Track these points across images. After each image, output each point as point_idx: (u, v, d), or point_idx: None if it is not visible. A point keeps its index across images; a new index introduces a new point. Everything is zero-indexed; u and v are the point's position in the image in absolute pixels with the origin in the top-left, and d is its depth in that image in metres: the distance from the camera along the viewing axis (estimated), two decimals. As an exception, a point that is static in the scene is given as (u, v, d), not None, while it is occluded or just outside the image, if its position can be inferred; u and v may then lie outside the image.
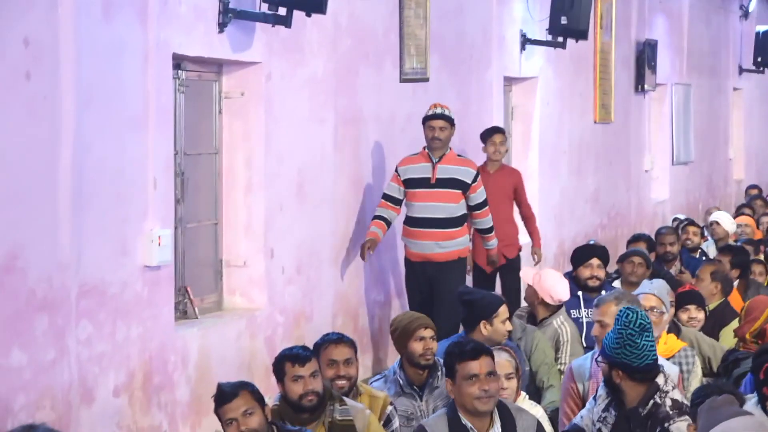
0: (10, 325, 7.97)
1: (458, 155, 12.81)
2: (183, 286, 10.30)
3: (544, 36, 16.78)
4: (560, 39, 16.75)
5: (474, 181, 12.64)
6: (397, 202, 12.63)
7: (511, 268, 13.91)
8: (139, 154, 9.26)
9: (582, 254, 11.94)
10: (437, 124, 12.47)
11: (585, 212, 19.41)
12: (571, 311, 11.12)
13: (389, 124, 13.34)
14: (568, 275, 11.91)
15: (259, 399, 7.12)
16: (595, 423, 7.66)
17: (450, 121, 12.54)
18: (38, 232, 8.21)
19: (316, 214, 11.68)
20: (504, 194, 14.17)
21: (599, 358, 7.72)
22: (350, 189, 12.51)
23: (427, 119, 12.61)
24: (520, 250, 14.42)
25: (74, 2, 8.41)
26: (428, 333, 8.86)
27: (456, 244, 12.60)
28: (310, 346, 8.33)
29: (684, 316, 10.66)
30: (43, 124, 8.22)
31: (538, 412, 8.32)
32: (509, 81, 16.87)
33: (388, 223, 12.59)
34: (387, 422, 8.22)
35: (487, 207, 12.87)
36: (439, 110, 12.57)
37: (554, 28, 16.40)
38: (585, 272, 11.55)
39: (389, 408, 8.30)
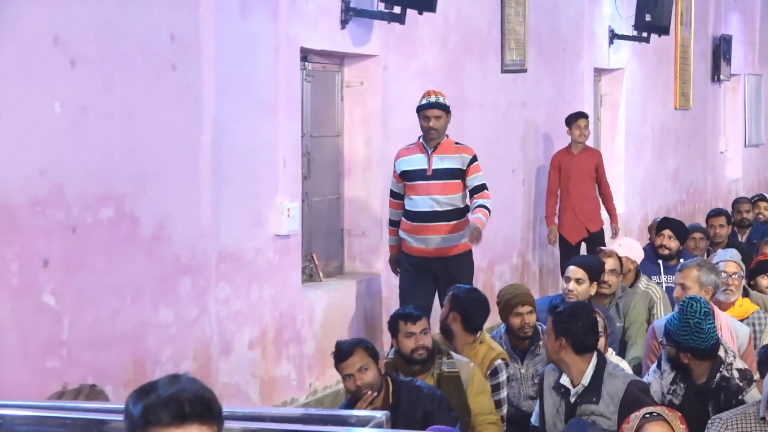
0: (159, 287, 8.04)
1: (456, 143, 10.58)
2: (309, 253, 10.34)
3: (630, 31, 16.68)
4: (645, 34, 16.68)
5: (469, 164, 10.43)
6: (402, 197, 10.56)
7: (595, 241, 13.63)
8: (270, 137, 9.31)
9: (658, 226, 11.89)
10: (432, 113, 10.34)
11: (666, 190, 19.30)
12: (652, 277, 11.09)
13: (491, 110, 13.27)
14: (649, 245, 11.89)
15: (374, 355, 7.14)
16: (665, 394, 7.57)
17: (445, 109, 10.42)
18: (183, 206, 8.28)
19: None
20: (587, 173, 14.01)
21: (664, 341, 7.63)
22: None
23: (421, 108, 10.42)
24: (602, 224, 14.28)
25: (214, 1, 8.47)
26: (526, 309, 8.81)
27: (461, 236, 10.37)
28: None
29: (764, 282, 10.57)
30: (186, 110, 8.29)
31: (623, 365, 8.27)
32: (598, 72, 16.78)
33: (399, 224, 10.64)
34: (494, 373, 8.22)
35: (486, 191, 10.50)
36: (433, 98, 10.40)
37: (639, 24, 16.35)
38: (657, 241, 11.50)
39: (498, 361, 8.30)
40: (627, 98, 17.45)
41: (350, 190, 11.03)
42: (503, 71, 13.44)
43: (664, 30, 16.66)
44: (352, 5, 10.30)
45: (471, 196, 10.47)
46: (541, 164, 14.66)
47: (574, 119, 14.04)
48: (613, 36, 16.58)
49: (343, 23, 10.26)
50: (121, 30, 7.60)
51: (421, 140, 10.45)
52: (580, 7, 15.56)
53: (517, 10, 13.43)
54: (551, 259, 14.87)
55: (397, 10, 10.58)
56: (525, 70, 13.80)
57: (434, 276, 10.39)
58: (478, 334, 8.51)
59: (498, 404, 8.17)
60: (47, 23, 7.06)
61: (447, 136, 10.47)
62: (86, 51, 7.32)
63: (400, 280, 10.58)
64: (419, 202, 10.38)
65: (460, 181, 10.41)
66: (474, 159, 10.47)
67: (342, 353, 7.15)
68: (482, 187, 10.43)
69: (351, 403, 7.20)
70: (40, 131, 7.05)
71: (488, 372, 8.21)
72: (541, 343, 8.56)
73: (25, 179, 6.90)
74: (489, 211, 10.34)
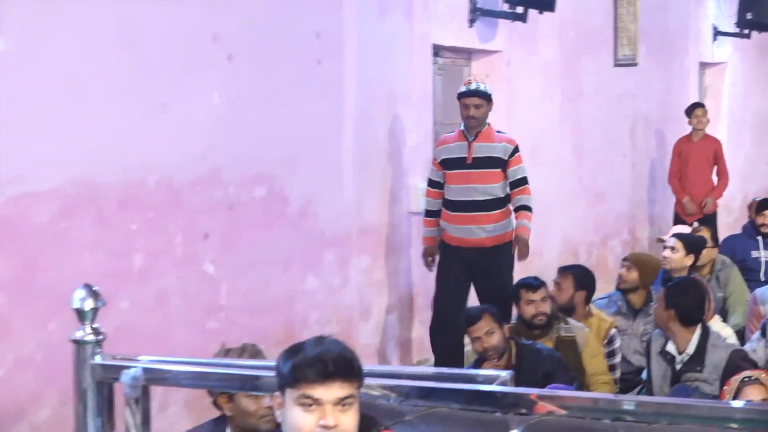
0: (306, 258, 8.10)
1: (498, 131, 9.28)
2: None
3: (732, 28, 16.44)
4: (746, 31, 16.43)
5: (511, 155, 9.10)
6: (442, 186, 9.23)
7: (708, 223, 13.26)
8: (406, 124, 9.33)
9: (758, 206, 11.73)
10: (472, 101, 9.06)
11: (765, 173, 19.00)
12: (752, 252, 10.98)
13: (604, 100, 13.14)
14: (749, 223, 11.76)
15: (499, 320, 7.15)
16: None
17: (486, 97, 9.13)
18: (327, 186, 8.32)
19: (546, 172, 11.58)
20: (705, 159, 13.82)
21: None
22: (572, 152, 12.36)
23: (461, 96, 9.16)
24: (716, 207, 14.10)
25: (356, 3, 8.50)
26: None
27: (502, 227, 9.12)
28: (542, 276, 8.37)
29: None
30: (330, 101, 8.33)
31: (727, 330, 8.19)
32: (703, 66, 16.56)
33: (439, 215, 9.26)
34: (610, 341, 8.20)
35: (527, 185, 9.22)
36: (473, 86, 9.17)
37: (741, 22, 16.08)
38: (759, 220, 11.33)
39: (613, 330, 8.27)
40: (729, 89, 17.22)
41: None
42: (615, 65, 13.30)
43: (764, 27, 16.40)
44: (479, 5, 10.26)
45: (512, 189, 9.20)
46: (649, 150, 14.55)
47: (692, 109, 13.94)
48: (717, 33, 16.36)
49: (471, 22, 10.24)
50: (273, 29, 7.65)
51: (462, 128, 9.19)
52: (686, 7, 15.40)
53: (629, 10, 13.26)
54: (659, 234, 14.75)
55: (519, 9, 10.55)
56: (636, 64, 13.62)
57: (471, 267, 9.16)
58: (587, 308, 8.46)
59: (612, 368, 8.13)
60: (207, 23, 7.13)
61: (488, 124, 9.19)
62: (242, 48, 7.39)
63: (438, 268, 9.30)
64: (459, 190, 9.11)
65: (500, 170, 9.09)
66: (516, 150, 9.16)
67: (471, 318, 7.18)
68: (523, 181, 9.17)
69: (478, 364, 7.22)
70: (201, 119, 7.13)
71: (605, 341, 8.19)
72: (652, 305, 8.49)
73: (188, 162, 6.98)
74: (531, 211, 9.17)
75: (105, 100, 6.44)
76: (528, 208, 9.10)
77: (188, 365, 4.45)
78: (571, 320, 7.95)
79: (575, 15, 12.19)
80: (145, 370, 4.25)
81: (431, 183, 9.29)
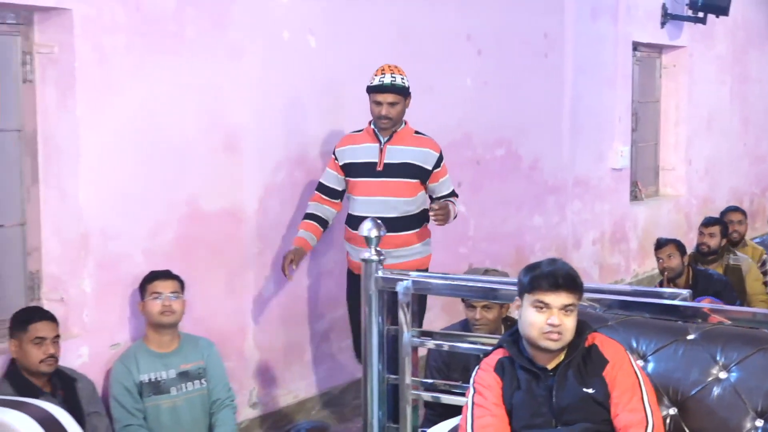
0: (533, 202, 8.04)
1: (416, 132, 5.59)
2: (635, 181, 10.06)
3: None
4: None
5: (436, 166, 5.51)
6: (336, 194, 5.61)
7: None
8: (610, 102, 9.10)
9: None
10: (385, 98, 5.40)
11: None
12: None
13: (767, 83, 12.61)
14: None
15: (681, 249, 6.90)
16: None
17: (403, 92, 5.44)
18: (550, 147, 8.22)
19: (718, 139, 11.20)
20: None
21: None
22: (739, 123, 11.86)
23: (371, 90, 5.47)
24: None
25: (575, 10, 8.33)
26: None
27: (414, 251, 5.54)
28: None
29: None
30: (554, 85, 8.20)
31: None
32: None
33: (324, 223, 5.60)
34: (762, 264, 7.86)
35: (456, 197, 5.67)
36: (387, 78, 5.41)
37: None
38: None
39: (765, 255, 7.93)
40: None
41: (664, 138, 10.65)
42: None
43: None
44: (669, 11, 9.89)
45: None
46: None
47: None
48: None
49: (662, 24, 9.91)
50: (512, 30, 7.56)
51: (372, 126, 5.53)
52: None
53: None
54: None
55: (700, 14, 10.17)
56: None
57: None
58: (743, 240, 8.10)
59: (766, 284, 7.83)
60: (463, 25, 7.09)
61: (405, 122, 5.53)
62: (488, 44, 7.32)
63: (349, 306, 5.75)
64: (364, 204, 5.46)
65: (418, 181, 5.48)
66: (441, 158, 5.54)
67: (659, 244, 6.95)
68: (451, 195, 5.63)
69: (662, 283, 7.02)
70: (457, 98, 7.11)
71: (759, 264, 7.87)
72: None
73: (447, 129, 6.95)
74: (455, 213, 5.56)
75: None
76: (455, 215, 5.56)
77: (445, 279, 4.44)
78: (738, 252, 7.66)
79: (744, 18, 11.67)
80: (414, 282, 4.26)
81: (321, 188, 5.61)
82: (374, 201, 5.44)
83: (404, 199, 5.45)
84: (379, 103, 5.40)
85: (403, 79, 5.42)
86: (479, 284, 4.35)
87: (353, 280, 5.53)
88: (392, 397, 4.42)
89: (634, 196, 10.09)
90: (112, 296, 4.90)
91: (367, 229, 4.30)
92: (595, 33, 8.77)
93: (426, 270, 5.51)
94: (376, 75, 5.43)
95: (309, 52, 5.91)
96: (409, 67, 6.53)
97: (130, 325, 4.97)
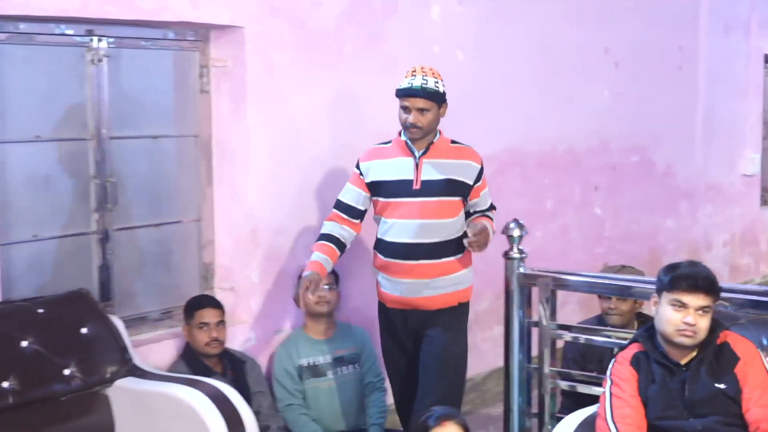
0: (666, 205, 7.83)
1: (453, 142, 4.38)
2: (765, 186, 9.69)
3: None
4: None
5: (478, 179, 4.32)
6: (357, 214, 4.39)
7: None
8: (741, 111, 8.79)
9: None
10: (414, 103, 4.21)
11: None
12: None
13: None
14: None
15: None
16: None
17: (436, 97, 4.22)
18: (683, 154, 7.97)
19: None
20: None
21: None
22: None
23: (398, 94, 4.29)
24: None
25: (708, 25, 8.09)
26: None
27: (456, 281, 4.30)
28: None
29: None
30: (687, 95, 7.95)
31: None
32: None
33: (341, 246, 4.36)
34: None
35: (494, 210, 4.45)
36: (418, 80, 4.21)
37: None
38: None
39: None
40: None
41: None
42: None
43: None
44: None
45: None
46: None
47: None
48: None
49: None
50: (648, 43, 7.38)
51: (404, 137, 4.33)
52: None
53: None
54: None
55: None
56: None
57: (415, 334, 4.36)
58: None
59: None
60: (601, 40, 6.96)
61: (440, 132, 4.34)
62: (625, 57, 7.17)
63: (381, 339, 4.54)
64: (401, 228, 4.25)
65: (460, 199, 4.28)
66: (482, 169, 4.36)
67: None
68: (490, 209, 4.44)
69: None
70: (595, 107, 6.97)
71: None
72: None
73: (585, 136, 6.86)
74: (493, 231, 4.32)
75: (529, 92, 6.39)
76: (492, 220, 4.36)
77: (582, 277, 4.38)
78: None
79: None
80: (553, 278, 4.20)
81: (340, 206, 4.41)
82: (412, 225, 4.21)
83: (445, 221, 4.22)
84: (407, 109, 4.20)
85: (437, 83, 4.22)
86: (614, 282, 4.26)
87: (388, 316, 4.37)
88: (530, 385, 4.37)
89: (764, 201, 9.72)
90: (276, 287, 4.97)
91: (510, 229, 4.27)
92: (728, 46, 8.49)
93: (467, 304, 4.32)
94: (406, 77, 4.25)
95: (457, 64, 5.89)
96: (550, 79, 6.51)
97: (292, 313, 5.02)
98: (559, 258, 6.46)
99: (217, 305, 4.58)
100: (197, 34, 4.81)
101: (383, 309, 4.42)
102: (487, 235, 4.17)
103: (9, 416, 3.66)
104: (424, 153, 4.27)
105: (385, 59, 5.43)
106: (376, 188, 4.33)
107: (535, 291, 4.33)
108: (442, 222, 4.23)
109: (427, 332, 4.27)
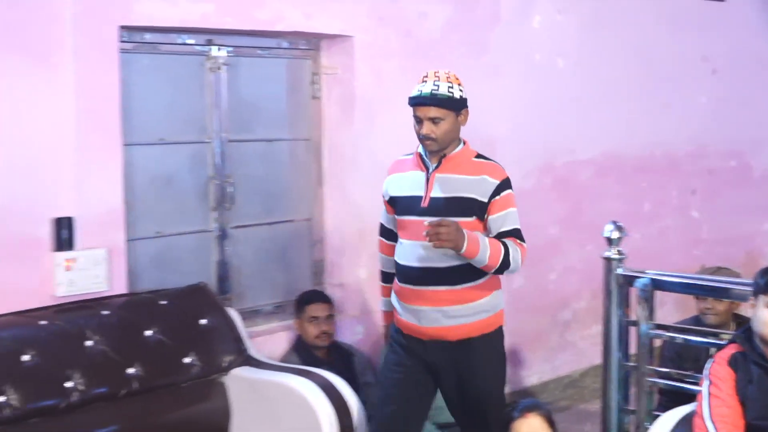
0: (763, 208, 7.51)
1: (478, 156, 3.54)
2: None
3: None
4: None
5: (495, 194, 3.45)
6: (395, 236, 3.66)
7: None
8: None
9: None
10: (425, 113, 3.44)
11: None
12: None
13: None
14: None
15: None
16: None
17: (449, 104, 3.44)
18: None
19: None
20: None
21: None
22: None
23: (410, 103, 3.50)
24: None
25: (754, 28, 7.81)
26: None
27: (478, 310, 3.50)
28: None
29: None
30: (720, 96, 7.39)
31: None
32: None
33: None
34: None
35: (521, 241, 3.53)
36: (428, 86, 3.45)
37: None
38: None
39: None
40: None
41: None
42: None
43: None
44: None
45: None
46: None
47: None
48: None
49: None
50: (745, 50, 7.16)
51: (420, 150, 3.60)
52: None
53: None
54: None
55: None
56: None
57: (433, 368, 3.60)
58: None
59: None
60: (699, 48, 6.80)
61: (464, 143, 3.58)
62: (723, 65, 6.99)
63: (383, 363, 3.77)
64: (409, 251, 3.54)
65: (475, 219, 3.48)
66: (504, 186, 3.51)
67: None
68: (512, 234, 3.54)
69: None
70: (693, 113, 6.82)
71: None
72: None
73: (683, 141, 6.72)
74: (510, 263, 3.46)
75: (627, 98, 6.30)
76: (506, 260, 3.46)
77: (679, 278, 4.27)
78: None
79: None
80: (652, 280, 4.12)
81: (384, 232, 3.80)
82: (418, 247, 3.48)
83: None
84: (419, 120, 3.49)
85: (450, 87, 3.47)
86: (711, 283, 4.16)
87: (404, 343, 3.62)
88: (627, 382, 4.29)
89: None
90: (382, 284, 4.96)
91: (609, 230, 4.20)
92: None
93: (499, 330, 3.60)
94: (417, 83, 3.53)
95: (557, 72, 5.85)
96: (648, 85, 6.39)
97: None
98: (657, 259, 6.30)
99: (326, 300, 4.61)
100: (309, 43, 4.85)
101: (400, 334, 3.63)
102: (452, 231, 3.32)
103: (133, 400, 3.72)
104: (436, 167, 3.53)
105: (487, 67, 5.41)
106: (394, 205, 3.65)
107: (633, 291, 4.25)
108: None
109: (456, 369, 3.54)
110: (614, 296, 4.20)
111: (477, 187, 3.47)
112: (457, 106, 3.49)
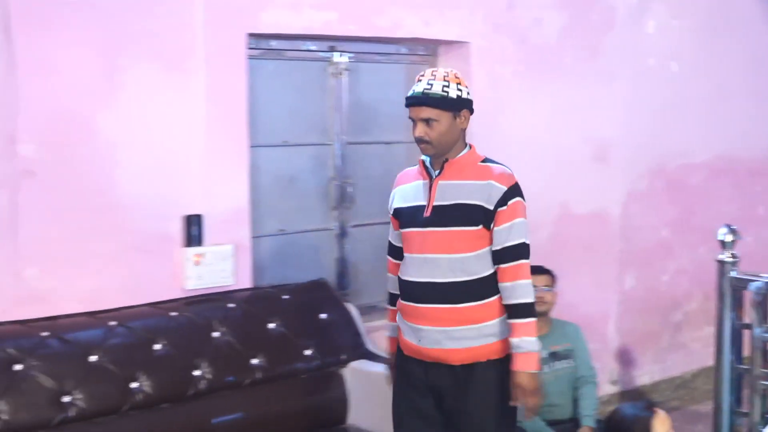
0: None
1: (485, 160, 3.07)
2: None
3: None
4: None
5: (501, 202, 2.97)
6: (402, 254, 3.18)
7: None
8: None
9: None
10: (418, 113, 3.02)
11: None
12: None
13: None
14: None
15: None
16: None
17: (444, 104, 2.99)
18: None
19: None
20: None
21: None
22: None
23: (405, 103, 3.07)
24: None
25: None
26: None
27: (482, 333, 3.00)
28: None
29: None
30: None
31: None
32: None
33: None
34: None
35: (525, 261, 3.00)
36: (421, 85, 3.02)
37: None
38: None
39: None
40: None
41: None
42: None
43: None
44: None
45: (497, 264, 3.02)
46: None
47: None
48: None
49: None
50: None
51: (423, 157, 3.14)
52: None
53: None
54: None
55: None
56: None
57: (437, 394, 3.11)
58: None
59: None
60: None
61: (470, 147, 3.12)
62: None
63: (394, 400, 3.26)
64: (412, 265, 3.10)
65: (480, 228, 2.99)
66: (512, 193, 3.02)
67: None
68: (519, 252, 3.01)
69: None
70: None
71: None
72: None
73: (752, 151, 6.46)
74: (534, 315, 3.04)
75: (740, 102, 6.12)
76: (528, 311, 3.04)
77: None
78: None
79: None
80: (766, 283, 3.97)
81: (391, 250, 3.32)
82: (420, 260, 3.09)
83: (461, 257, 3.02)
84: (413, 121, 3.08)
85: (446, 86, 3.04)
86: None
87: (406, 368, 3.18)
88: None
89: None
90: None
91: (722, 233, 4.08)
92: None
93: (502, 361, 3.05)
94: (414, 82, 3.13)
95: (671, 76, 5.71)
96: (763, 89, 6.16)
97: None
98: (771, 263, 6.12)
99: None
100: (427, 49, 4.84)
101: (402, 358, 3.20)
102: (528, 390, 2.99)
103: (256, 389, 3.78)
104: (439, 173, 3.10)
105: (602, 72, 5.33)
106: (398, 217, 3.22)
107: (746, 294, 4.10)
108: (457, 257, 3.02)
109: (459, 400, 3.07)
110: (727, 299, 4.08)
111: (483, 192, 3.02)
112: (453, 106, 3.03)
